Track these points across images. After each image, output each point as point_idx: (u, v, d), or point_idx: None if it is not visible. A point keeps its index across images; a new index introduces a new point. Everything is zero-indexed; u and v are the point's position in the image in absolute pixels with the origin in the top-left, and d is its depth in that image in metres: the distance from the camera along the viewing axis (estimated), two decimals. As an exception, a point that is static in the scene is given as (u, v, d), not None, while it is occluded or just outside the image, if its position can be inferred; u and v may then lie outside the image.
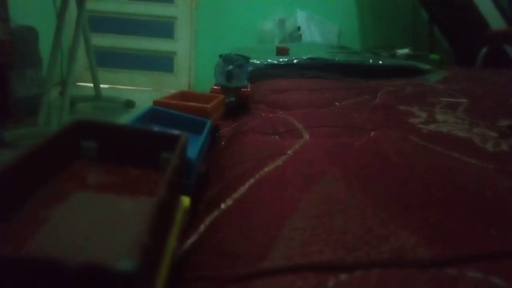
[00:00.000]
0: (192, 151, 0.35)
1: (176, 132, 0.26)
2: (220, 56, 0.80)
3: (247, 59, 0.80)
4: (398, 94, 0.94)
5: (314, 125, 0.59)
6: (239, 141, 0.54)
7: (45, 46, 2.07)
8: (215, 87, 0.73)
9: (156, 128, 0.27)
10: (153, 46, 3.29)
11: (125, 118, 2.40)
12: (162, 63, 3.33)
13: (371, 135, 0.56)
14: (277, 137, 0.55)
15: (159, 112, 0.45)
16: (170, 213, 0.23)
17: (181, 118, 0.45)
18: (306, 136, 0.52)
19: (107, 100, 2.52)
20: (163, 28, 3.24)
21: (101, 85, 2.49)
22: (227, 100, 0.72)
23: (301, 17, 2.88)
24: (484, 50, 2.07)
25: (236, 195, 0.34)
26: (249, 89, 0.74)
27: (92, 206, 0.23)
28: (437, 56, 1.52)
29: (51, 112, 1.99)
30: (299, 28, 2.89)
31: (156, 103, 0.49)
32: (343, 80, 1.17)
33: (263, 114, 0.71)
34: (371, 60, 1.28)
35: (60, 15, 1.85)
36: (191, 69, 3.33)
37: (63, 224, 0.21)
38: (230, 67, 0.71)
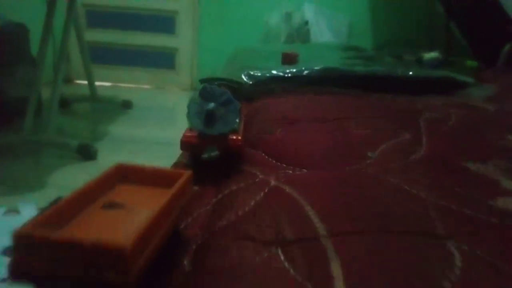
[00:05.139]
0: None
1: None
2: (201, 82, 0.56)
3: (238, 85, 0.55)
4: (446, 128, 0.69)
5: (345, 225, 0.34)
6: (212, 274, 0.30)
7: (37, 44, 1.88)
8: (189, 134, 0.48)
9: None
10: (153, 42, 3.11)
11: (122, 120, 2.21)
12: (163, 60, 3.15)
13: (447, 246, 0.32)
14: (280, 254, 0.31)
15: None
16: None
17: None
18: (337, 269, 0.28)
19: (103, 101, 2.33)
20: (164, 23, 3.05)
21: (100, 83, 2.40)
22: (205, 155, 0.47)
23: (309, 11, 2.66)
24: (507, 46, 1.85)
25: None
26: (239, 136, 0.49)
27: None
28: (474, 62, 1.26)
29: (44, 113, 1.79)
30: (306, 23, 2.65)
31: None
32: (365, 98, 0.92)
33: (260, 177, 0.46)
34: (399, 71, 1.03)
35: (49, 8, 1.60)
36: (193, 66, 3.14)
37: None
38: (212, 105, 0.46)
